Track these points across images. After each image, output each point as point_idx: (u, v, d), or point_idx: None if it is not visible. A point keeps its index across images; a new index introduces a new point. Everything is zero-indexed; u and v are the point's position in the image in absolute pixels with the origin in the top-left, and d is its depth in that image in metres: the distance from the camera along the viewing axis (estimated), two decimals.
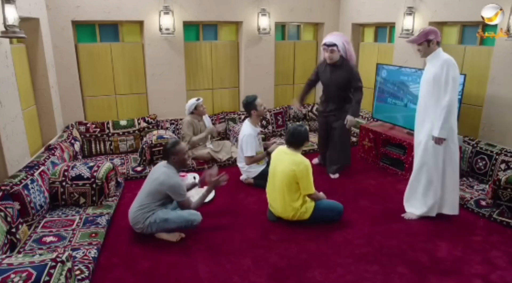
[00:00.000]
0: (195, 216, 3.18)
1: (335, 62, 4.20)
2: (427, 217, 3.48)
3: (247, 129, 4.12)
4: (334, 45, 4.11)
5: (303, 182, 3.21)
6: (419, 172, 3.41)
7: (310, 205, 3.32)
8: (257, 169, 4.17)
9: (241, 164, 4.27)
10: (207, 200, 3.78)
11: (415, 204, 3.50)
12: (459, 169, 3.37)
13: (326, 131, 4.54)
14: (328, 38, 4.20)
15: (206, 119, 4.95)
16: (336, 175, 4.49)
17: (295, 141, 3.32)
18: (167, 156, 3.23)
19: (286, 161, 3.26)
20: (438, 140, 3.20)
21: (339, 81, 4.24)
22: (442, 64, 3.13)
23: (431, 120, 3.25)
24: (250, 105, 4.16)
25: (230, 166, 4.70)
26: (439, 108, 3.16)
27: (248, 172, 4.23)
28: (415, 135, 3.45)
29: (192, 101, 4.70)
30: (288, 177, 3.21)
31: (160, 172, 3.16)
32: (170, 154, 3.19)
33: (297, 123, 3.47)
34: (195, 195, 3.87)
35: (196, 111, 4.71)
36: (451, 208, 3.43)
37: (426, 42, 3.22)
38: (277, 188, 3.32)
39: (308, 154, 5.14)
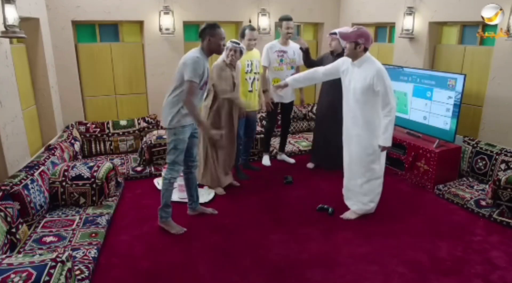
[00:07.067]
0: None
1: (337, 51, 4.26)
2: (427, 217, 3.49)
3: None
4: (334, 33, 4.22)
5: None
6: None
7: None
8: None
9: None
10: (206, 200, 3.79)
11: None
12: (383, 174, 3.44)
13: (327, 124, 4.49)
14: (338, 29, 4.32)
15: (237, 67, 3.81)
16: None
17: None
18: (203, 34, 3.01)
19: None
20: (385, 149, 3.24)
21: None
22: (373, 74, 3.06)
23: (360, 129, 3.25)
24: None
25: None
26: (384, 119, 3.12)
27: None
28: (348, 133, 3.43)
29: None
30: None
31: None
32: (208, 34, 2.99)
33: None
34: (204, 194, 3.87)
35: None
36: (356, 205, 3.48)
37: (354, 44, 3.08)
38: None
39: (305, 155, 5.13)
